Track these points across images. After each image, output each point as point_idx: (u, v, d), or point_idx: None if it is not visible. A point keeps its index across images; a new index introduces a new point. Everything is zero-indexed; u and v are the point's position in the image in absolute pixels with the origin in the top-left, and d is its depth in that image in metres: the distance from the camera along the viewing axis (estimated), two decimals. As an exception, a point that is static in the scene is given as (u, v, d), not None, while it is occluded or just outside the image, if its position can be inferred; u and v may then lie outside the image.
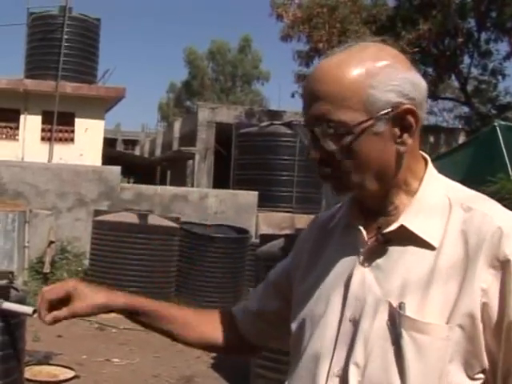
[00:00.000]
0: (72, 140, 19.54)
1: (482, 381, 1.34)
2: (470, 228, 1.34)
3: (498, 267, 1.30)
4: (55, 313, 1.58)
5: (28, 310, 4.61)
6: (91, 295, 1.62)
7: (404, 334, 1.31)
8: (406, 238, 1.38)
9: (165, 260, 10.95)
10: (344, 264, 1.46)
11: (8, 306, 4.44)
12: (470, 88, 22.41)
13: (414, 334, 1.30)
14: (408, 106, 1.34)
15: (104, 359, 7.64)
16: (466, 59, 21.68)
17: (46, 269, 11.48)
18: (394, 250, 1.40)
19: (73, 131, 19.54)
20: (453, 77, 22.33)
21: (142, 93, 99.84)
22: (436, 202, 1.41)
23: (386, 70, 1.33)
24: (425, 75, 20.45)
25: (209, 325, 1.76)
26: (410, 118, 1.35)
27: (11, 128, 19.53)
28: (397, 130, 1.35)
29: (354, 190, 1.41)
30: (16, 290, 4.80)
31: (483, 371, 1.33)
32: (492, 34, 20.71)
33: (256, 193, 13.93)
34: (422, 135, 1.44)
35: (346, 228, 1.52)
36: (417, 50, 19.32)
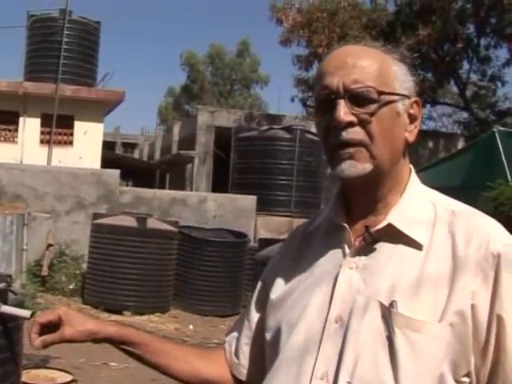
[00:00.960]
0: (71, 143, 19.56)
1: None
2: (457, 230, 1.38)
3: (487, 268, 1.33)
4: (44, 337, 1.58)
5: (26, 313, 4.58)
6: (81, 321, 1.62)
7: (397, 331, 1.30)
8: (394, 236, 1.39)
9: (163, 264, 10.94)
10: (327, 265, 1.45)
11: (5, 309, 4.42)
12: (469, 93, 22.43)
13: (407, 331, 1.30)
14: (416, 99, 1.47)
15: (102, 363, 7.62)
16: (465, 65, 21.72)
17: (45, 272, 11.46)
18: (381, 250, 1.40)
19: (72, 134, 19.55)
20: (452, 82, 22.36)
21: (142, 96, 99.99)
22: (422, 204, 1.44)
23: (400, 65, 1.47)
24: (424, 80, 20.49)
25: (206, 362, 1.69)
26: (416, 109, 1.46)
27: (10, 130, 19.54)
28: (407, 118, 1.45)
29: (371, 162, 1.39)
30: (14, 293, 4.78)
31: (468, 374, 1.33)
32: (491, 40, 20.73)
33: (255, 197, 13.93)
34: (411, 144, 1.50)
35: (328, 231, 1.51)
36: (416, 55, 19.32)
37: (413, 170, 1.51)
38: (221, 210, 13.55)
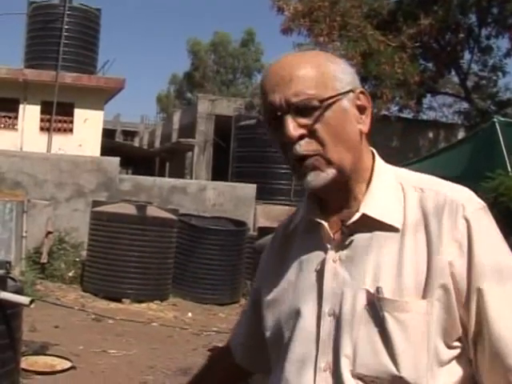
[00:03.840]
0: (71, 130, 19.51)
1: (459, 349, 1.41)
2: (428, 206, 1.43)
3: (459, 237, 1.38)
4: None
5: (25, 300, 4.62)
6: None
7: (387, 315, 1.36)
8: (370, 225, 1.44)
9: (163, 252, 10.96)
10: (311, 263, 1.49)
11: (5, 296, 4.44)
12: (469, 84, 22.34)
13: (396, 314, 1.36)
14: (361, 89, 1.49)
15: (100, 350, 7.65)
16: (467, 55, 21.60)
17: (44, 259, 11.48)
18: (360, 240, 1.44)
19: (72, 122, 19.50)
20: (453, 72, 22.28)
21: (142, 84, 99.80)
22: (390, 188, 1.48)
23: (339, 62, 1.49)
24: (425, 70, 20.43)
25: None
26: (364, 99, 1.48)
27: (10, 118, 19.49)
28: (356, 111, 1.46)
29: (332, 167, 1.42)
30: (13, 280, 4.80)
31: (459, 339, 1.41)
32: (493, 30, 20.61)
33: (254, 185, 13.93)
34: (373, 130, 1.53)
35: (307, 228, 1.54)
36: (417, 44, 19.26)
37: (376, 154, 1.54)
38: (220, 198, 13.56)
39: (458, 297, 1.37)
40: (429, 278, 1.37)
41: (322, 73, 1.43)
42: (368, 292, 1.39)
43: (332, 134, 1.41)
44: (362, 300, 1.39)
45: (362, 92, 1.48)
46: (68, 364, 6.83)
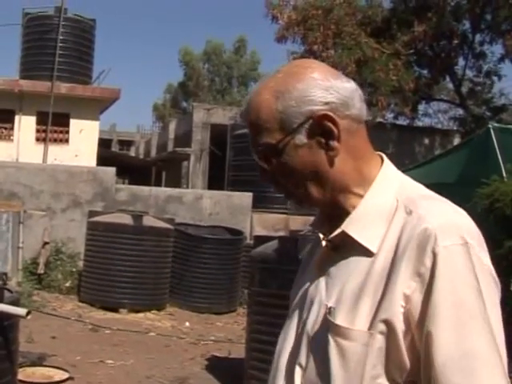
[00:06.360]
0: (67, 141, 19.54)
1: None
2: (404, 232, 1.32)
3: (423, 272, 1.27)
4: None
5: (21, 311, 4.61)
6: None
7: (330, 338, 1.34)
8: (349, 243, 1.39)
9: (159, 261, 10.94)
10: (310, 273, 1.52)
11: (1, 307, 4.43)
12: (464, 90, 22.39)
13: (337, 339, 1.33)
14: (322, 113, 1.36)
15: (98, 360, 7.62)
16: (461, 61, 21.66)
17: (41, 270, 11.46)
18: (340, 256, 1.42)
19: (67, 132, 19.54)
20: (447, 78, 22.33)
21: (138, 93, 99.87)
22: (383, 205, 1.39)
23: (294, 86, 1.38)
24: (420, 77, 20.48)
25: None
26: (328, 124, 1.37)
27: (6, 128, 19.53)
28: (320, 138, 1.38)
29: (305, 202, 1.45)
30: (9, 291, 4.79)
31: (412, 378, 1.30)
32: (487, 36, 20.68)
33: (251, 194, 13.92)
34: (370, 133, 1.46)
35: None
36: (412, 51, 19.34)
37: (385, 161, 1.46)
38: (217, 207, 13.55)
39: (410, 334, 1.28)
40: (378, 309, 1.30)
41: (269, 114, 1.39)
42: (326, 309, 1.37)
43: (291, 174, 1.41)
44: (321, 316, 1.39)
45: (324, 116, 1.36)
46: (65, 375, 6.81)
